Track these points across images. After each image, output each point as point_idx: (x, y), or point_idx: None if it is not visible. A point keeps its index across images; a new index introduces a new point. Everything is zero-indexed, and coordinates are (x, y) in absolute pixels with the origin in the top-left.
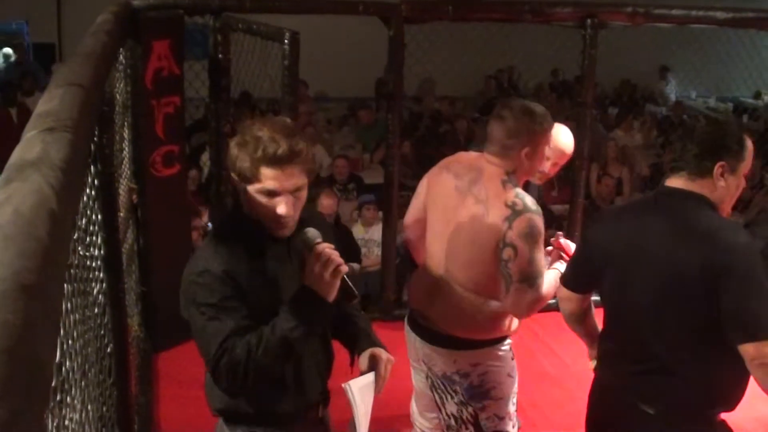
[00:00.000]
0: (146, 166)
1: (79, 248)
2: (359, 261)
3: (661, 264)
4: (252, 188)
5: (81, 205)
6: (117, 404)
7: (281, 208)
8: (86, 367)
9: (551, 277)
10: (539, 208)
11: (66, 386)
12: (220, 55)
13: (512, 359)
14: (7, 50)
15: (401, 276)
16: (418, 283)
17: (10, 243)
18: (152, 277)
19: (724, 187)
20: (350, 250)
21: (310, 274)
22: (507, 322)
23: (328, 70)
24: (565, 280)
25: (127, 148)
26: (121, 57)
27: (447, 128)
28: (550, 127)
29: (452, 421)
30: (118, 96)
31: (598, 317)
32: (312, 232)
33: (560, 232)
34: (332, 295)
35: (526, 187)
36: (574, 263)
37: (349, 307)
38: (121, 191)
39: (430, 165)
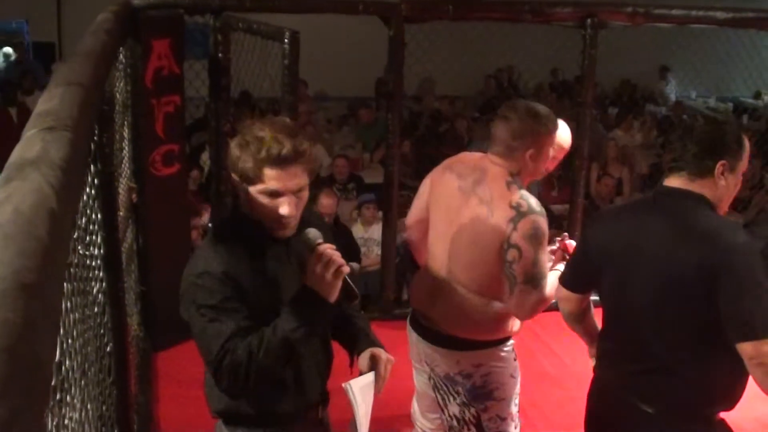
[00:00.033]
0: (146, 166)
1: (79, 247)
2: (359, 260)
3: (661, 264)
4: (254, 189)
5: (81, 204)
6: (116, 403)
7: (284, 208)
8: (86, 366)
9: (554, 278)
10: (543, 210)
11: (66, 385)
12: (220, 55)
13: (515, 360)
14: (8, 50)
15: (401, 275)
16: (421, 283)
17: (10, 242)
18: (152, 277)
19: (725, 186)
20: (350, 249)
21: (312, 275)
22: (510, 322)
23: (328, 69)
24: (564, 280)
25: (126, 148)
26: (121, 56)
27: (447, 128)
28: (555, 129)
29: (454, 422)
30: (118, 95)
31: (597, 317)
32: (313, 233)
33: (566, 233)
34: (334, 296)
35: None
36: (573, 263)
37: (349, 308)
38: (120, 190)
39: (429, 164)
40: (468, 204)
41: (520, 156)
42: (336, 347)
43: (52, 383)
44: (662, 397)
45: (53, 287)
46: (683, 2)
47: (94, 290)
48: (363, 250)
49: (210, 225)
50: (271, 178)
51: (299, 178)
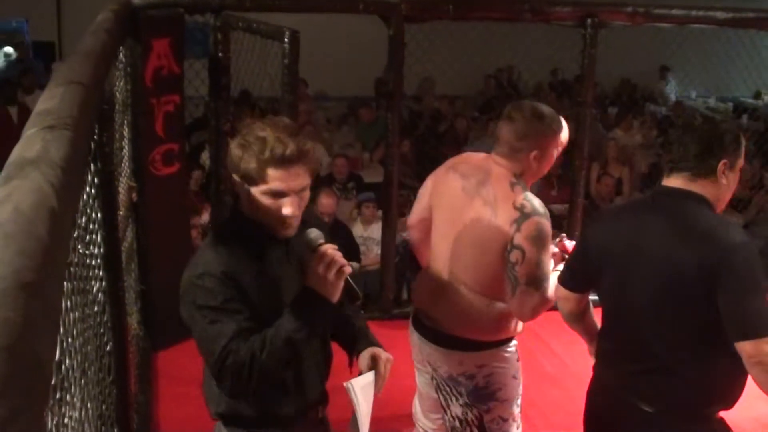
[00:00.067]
0: (146, 165)
1: (79, 246)
2: (358, 260)
3: (661, 264)
4: (257, 190)
5: (81, 203)
6: (116, 402)
7: (287, 208)
8: (86, 365)
9: (555, 279)
10: (547, 212)
11: (65, 384)
12: (220, 54)
13: (517, 361)
14: (8, 49)
15: (400, 275)
16: (423, 283)
17: (10, 241)
18: (152, 276)
19: (725, 185)
20: (349, 249)
21: (314, 275)
22: (513, 323)
23: (328, 68)
24: (563, 279)
25: (126, 147)
26: (121, 55)
27: (447, 127)
28: (560, 130)
29: (457, 423)
30: (117, 94)
31: (597, 317)
32: (315, 233)
33: (564, 234)
34: (336, 296)
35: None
36: (572, 263)
37: (351, 308)
38: (120, 189)
39: (429, 164)
40: (472, 205)
41: (525, 157)
42: (334, 347)
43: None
44: (662, 396)
45: (53, 286)
46: (683, 2)
47: (94, 289)
48: (362, 249)
49: (210, 225)
50: (275, 178)
51: (302, 178)
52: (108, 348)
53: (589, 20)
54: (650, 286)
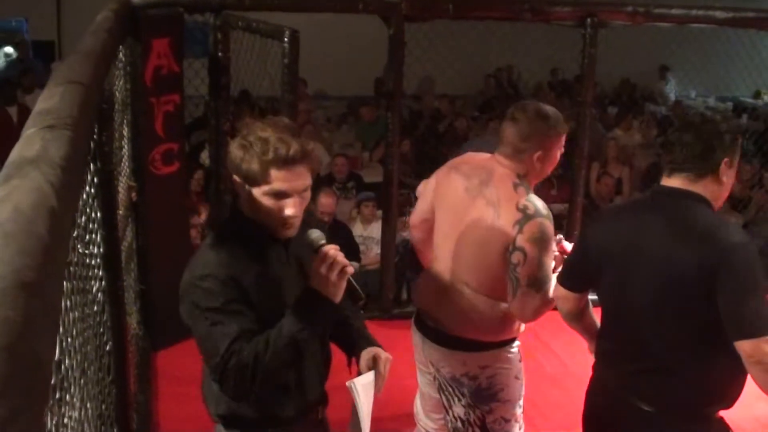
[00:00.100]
0: (145, 164)
1: (79, 246)
2: (358, 260)
3: (660, 264)
4: (259, 190)
5: (80, 202)
6: (116, 402)
7: (290, 209)
8: (85, 365)
9: (555, 280)
10: (550, 213)
11: (65, 384)
12: (219, 53)
13: (520, 361)
14: (9, 49)
15: (400, 275)
16: (426, 284)
17: (10, 240)
18: (151, 275)
19: (726, 183)
20: (349, 248)
21: (316, 276)
22: (516, 323)
23: (328, 68)
24: (563, 279)
25: (126, 146)
26: (120, 55)
27: (446, 127)
28: (564, 131)
29: (459, 424)
30: (117, 94)
31: (596, 316)
32: (316, 234)
33: (561, 236)
34: (339, 297)
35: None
36: (571, 262)
37: (349, 308)
38: (120, 189)
39: (429, 163)
40: (474, 205)
41: (528, 158)
42: (332, 347)
43: (52, 382)
44: (662, 396)
45: (53, 286)
46: (683, 2)
47: (94, 289)
48: (362, 248)
49: (209, 225)
50: (278, 179)
51: (304, 178)
52: (107, 347)
53: (588, 20)
54: (650, 286)
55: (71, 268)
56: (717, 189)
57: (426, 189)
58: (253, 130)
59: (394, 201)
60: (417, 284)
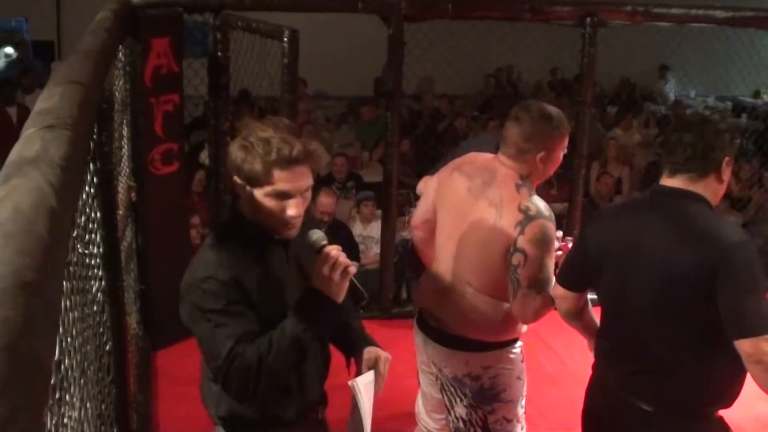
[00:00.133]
0: (145, 164)
1: (78, 246)
2: (357, 259)
3: (660, 263)
4: (261, 191)
5: (80, 202)
6: (116, 402)
7: (292, 210)
8: (85, 364)
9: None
10: (552, 215)
11: (65, 384)
12: (219, 53)
13: (522, 362)
14: (9, 49)
15: (400, 274)
16: (428, 284)
17: (10, 240)
18: (151, 275)
19: (725, 180)
20: (349, 248)
21: (319, 276)
22: (518, 324)
23: (327, 68)
24: (562, 278)
25: (126, 146)
26: (120, 55)
27: (446, 126)
28: (568, 131)
29: (460, 424)
30: (117, 94)
31: (595, 316)
32: (317, 234)
33: (569, 237)
34: (341, 297)
35: None
36: (570, 262)
37: (356, 308)
38: (120, 189)
39: (429, 163)
40: (477, 205)
41: (531, 158)
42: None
43: (52, 382)
44: (661, 396)
45: (53, 285)
46: (682, 1)
47: (94, 289)
48: (361, 248)
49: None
50: (281, 179)
51: (307, 178)
52: (107, 347)
53: (588, 19)
54: (650, 286)
55: (71, 268)
56: (718, 187)
57: (428, 189)
58: (253, 130)
59: (393, 200)
60: (419, 284)
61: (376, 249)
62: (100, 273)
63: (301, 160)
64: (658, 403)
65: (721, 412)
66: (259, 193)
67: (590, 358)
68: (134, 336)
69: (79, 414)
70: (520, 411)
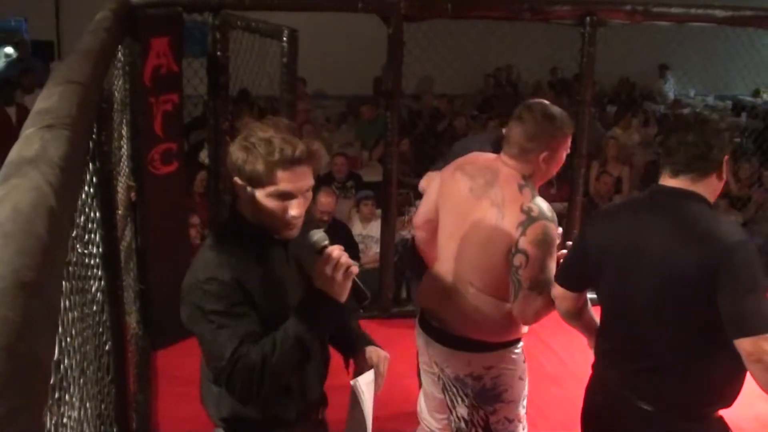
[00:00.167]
0: (144, 164)
1: (78, 246)
2: (357, 259)
3: (660, 263)
4: (263, 192)
5: (79, 202)
6: (115, 402)
7: (294, 210)
8: (84, 364)
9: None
10: (555, 216)
11: (64, 384)
12: (218, 53)
13: (523, 362)
14: (9, 49)
15: (400, 274)
16: (430, 284)
17: (9, 240)
18: (150, 275)
19: (725, 179)
20: (349, 248)
21: (321, 277)
22: (520, 324)
23: (327, 67)
24: (561, 278)
25: (125, 146)
26: (119, 54)
27: (445, 126)
28: (571, 131)
29: (462, 424)
30: (116, 93)
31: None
32: (319, 235)
33: (569, 242)
34: (344, 297)
35: None
36: (570, 262)
37: (359, 308)
38: (119, 189)
39: (428, 163)
40: (479, 205)
41: (534, 158)
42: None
43: (51, 382)
44: (661, 395)
45: (52, 285)
46: (682, 0)
47: (93, 288)
48: (361, 247)
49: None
50: (284, 179)
51: (308, 178)
52: (107, 347)
53: (588, 19)
54: (650, 285)
55: (70, 268)
56: (718, 185)
57: (430, 189)
58: (253, 131)
59: (393, 200)
60: (421, 284)
61: (375, 248)
62: (99, 273)
63: (303, 160)
64: (658, 403)
65: (721, 412)
66: (260, 194)
67: (590, 357)
68: (134, 336)
69: (79, 414)
70: (522, 411)
